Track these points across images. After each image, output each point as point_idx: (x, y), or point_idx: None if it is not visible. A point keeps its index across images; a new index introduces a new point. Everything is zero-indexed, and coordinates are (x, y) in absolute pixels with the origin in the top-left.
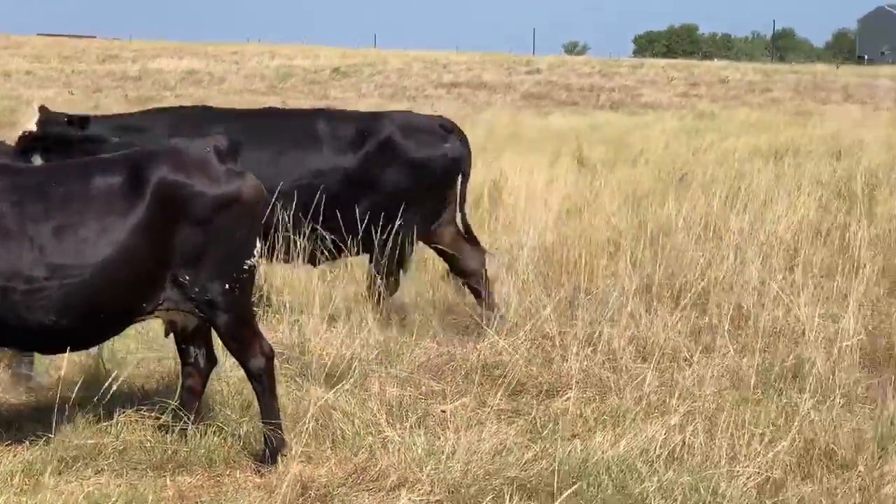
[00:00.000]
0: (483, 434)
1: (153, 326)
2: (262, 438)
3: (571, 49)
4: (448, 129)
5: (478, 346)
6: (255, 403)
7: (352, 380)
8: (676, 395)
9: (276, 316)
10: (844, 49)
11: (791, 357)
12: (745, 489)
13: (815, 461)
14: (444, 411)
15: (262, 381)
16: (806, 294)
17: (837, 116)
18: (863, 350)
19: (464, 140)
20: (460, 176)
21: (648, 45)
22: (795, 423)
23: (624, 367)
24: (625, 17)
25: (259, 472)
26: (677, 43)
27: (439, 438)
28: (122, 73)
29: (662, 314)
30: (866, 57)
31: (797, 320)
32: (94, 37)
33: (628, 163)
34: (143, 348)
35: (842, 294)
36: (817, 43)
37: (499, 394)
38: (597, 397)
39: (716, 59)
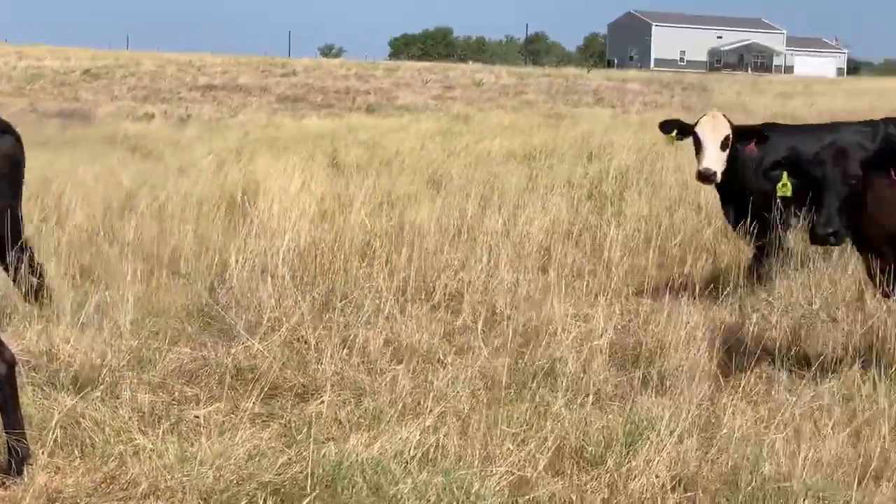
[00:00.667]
0: (237, 439)
1: None
2: (6, 449)
3: (327, 52)
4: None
5: (232, 350)
6: None
7: (102, 387)
8: (431, 396)
9: (24, 323)
10: (595, 53)
11: (544, 357)
12: (497, 488)
13: (567, 458)
14: (197, 417)
15: (3, 390)
16: (558, 294)
17: (589, 119)
18: (612, 348)
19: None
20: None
21: (404, 47)
22: (547, 423)
23: (379, 370)
24: (380, 21)
25: (3, 484)
26: (433, 46)
27: (192, 444)
28: None
29: (417, 316)
30: (616, 61)
31: (550, 320)
32: None
33: (384, 165)
34: None
35: (593, 294)
36: (569, 47)
37: (253, 398)
38: (352, 400)
39: (471, 62)
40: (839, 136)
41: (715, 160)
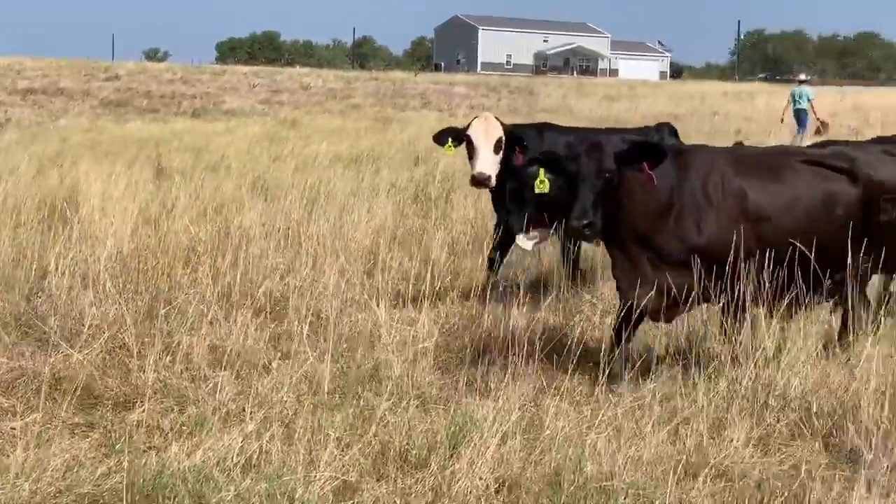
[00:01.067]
0: (53, 450)
1: None
2: None
3: (152, 55)
4: None
5: (50, 360)
6: None
7: None
8: (254, 402)
9: None
10: (423, 56)
11: (369, 360)
12: (321, 493)
13: (391, 462)
14: (13, 429)
15: None
16: (384, 298)
17: (416, 123)
18: (437, 351)
19: None
20: None
21: (231, 51)
22: (372, 427)
23: (202, 376)
24: (207, 25)
25: None
26: (260, 50)
27: (7, 457)
28: None
29: (242, 321)
30: (443, 64)
31: (375, 324)
32: None
33: (209, 170)
34: None
35: (418, 297)
36: (397, 51)
37: (72, 407)
38: (175, 408)
39: (298, 66)
40: (609, 139)
41: (488, 164)
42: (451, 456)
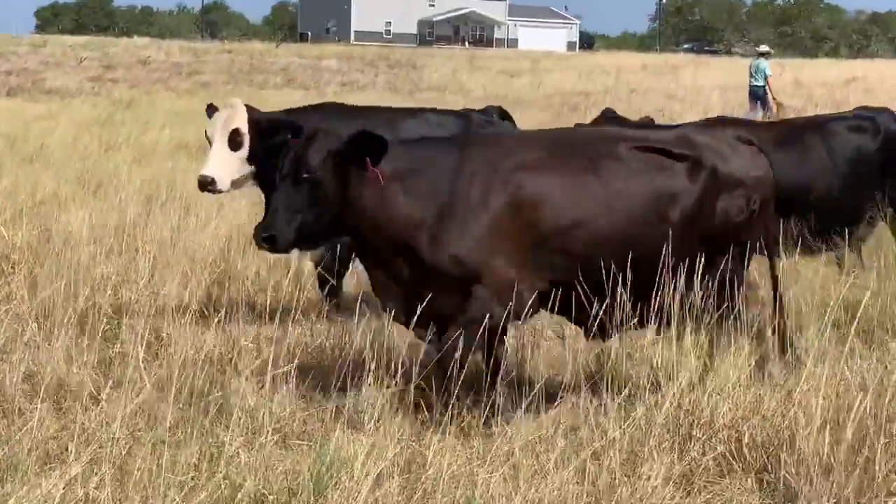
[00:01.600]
0: None
1: None
2: None
3: None
4: None
5: None
6: None
7: None
8: (80, 439)
9: None
10: (285, 25)
11: (218, 388)
12: None
13: None
14: None
15: None
16: (237, 313)
17: (276, 103)
18: (302, 376)
19: None
20: None
21: (53, 19)
22: (220, 467)
23: (16, 409)
24: None
25: None
26: (89, 17)
27: None
28: None
29: (65, 343)
30: (310, 34)
31: (228, 344)
32: None
33: (27, 161)
34: None
35: (277, 311)
36: (254, 18)
37: None
38: None
39: (136, 37)
40: (417, 124)
41: (217, 164)
42: (317, 501)
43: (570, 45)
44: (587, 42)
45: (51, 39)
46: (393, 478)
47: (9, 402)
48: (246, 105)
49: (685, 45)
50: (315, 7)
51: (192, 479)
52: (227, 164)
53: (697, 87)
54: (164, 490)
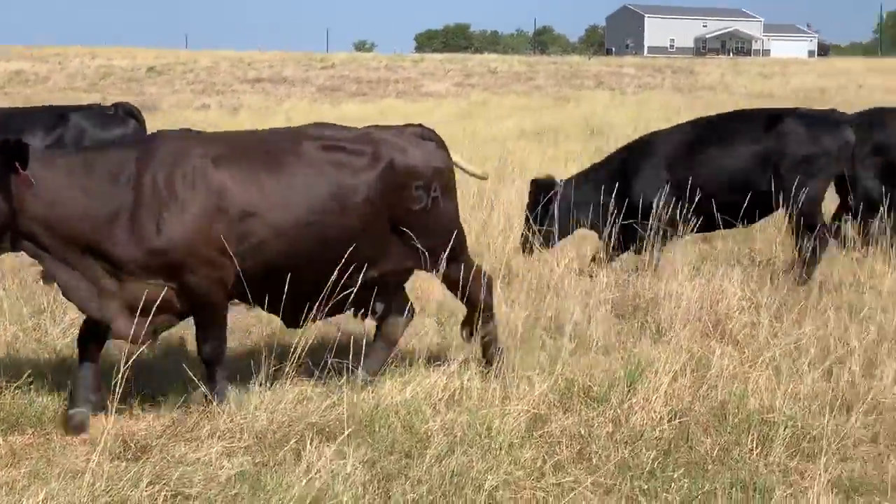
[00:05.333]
0: (286, 386)
1: None
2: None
3: (361, 46)
4: None
5: None
6: None
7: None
8: (454, 346)
9: None
10: (595, 42)
11: (551, 309)
12: (515, 424)
13: (576, 397)
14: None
15: None
16: (567, 255)
17: (590, 100)
18: (614, 301)
19: None
20: None
21: (428, 41)
22: (558, 366)
23: None
24: (406, 18)
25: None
26: (453, 39)
27: (248, 392)
28: None
29: None
30: (613, 49)
31: (560, 277)
32: None
33: None
34: None
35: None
36: (572, 38)
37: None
38: None
39: (486, 53)
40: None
41: None
42: (629, 392)
43: (810, 53)
44: (823, 50)
45: (426, 57)
46: (685, 375)
47: None
48: None
49: None
50: (618, 29)
51: (538, 375)
52: None
53: None
54: (517, 382)
